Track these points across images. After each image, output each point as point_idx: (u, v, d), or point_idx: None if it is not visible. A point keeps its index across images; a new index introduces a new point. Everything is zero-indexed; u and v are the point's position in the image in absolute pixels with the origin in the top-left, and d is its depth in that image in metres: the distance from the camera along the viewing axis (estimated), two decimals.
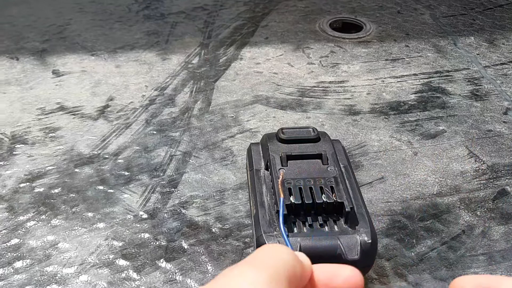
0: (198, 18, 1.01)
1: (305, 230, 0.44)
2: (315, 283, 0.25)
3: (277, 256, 0.23)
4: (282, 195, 0.43)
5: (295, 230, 0.44)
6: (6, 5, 1.05)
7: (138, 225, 0.55)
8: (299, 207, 0.45)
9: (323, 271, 0.26)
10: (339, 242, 0.43)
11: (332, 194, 0.46)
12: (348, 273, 0.25)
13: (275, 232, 0.44)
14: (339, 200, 0.45)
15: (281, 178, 0.45)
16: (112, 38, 0.94)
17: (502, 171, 0.63)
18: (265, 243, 0.44)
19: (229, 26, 0.98)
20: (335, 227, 0.45)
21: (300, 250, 0.43)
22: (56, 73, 0.83)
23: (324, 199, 0.45)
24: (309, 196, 0.46)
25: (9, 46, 0.91)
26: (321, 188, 0.47)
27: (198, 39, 0.94)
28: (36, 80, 0.81)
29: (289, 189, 0.47)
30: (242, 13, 1.03)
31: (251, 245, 0.53)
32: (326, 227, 0.45)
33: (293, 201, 0.45)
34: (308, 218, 0.45)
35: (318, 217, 0.45)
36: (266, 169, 0.52)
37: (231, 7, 1.06)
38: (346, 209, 0.44)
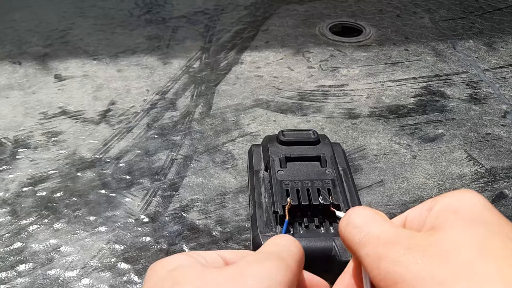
0: (199, 23, 1.02)
1: (301, 231, 0.45)
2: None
3: (287, 246, 0.26)
4: (287, 217, 0.45)
5: (291, 230, 0.45)
6: (9, 10, 1.06)
7: (140, 229, 0.56)
8: (296, 208, 0.46)
9: (306, 278, 0.27)
10: (334, 243, 0.43)
11: (329, 196, 0.47)
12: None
13: (271, 233, 0.45)
14: (335, 202, 0.46)
15: (288, 205, 0.46)
16: (113, 42, 0.95)
17: (501, 174, 0.63)
18: (261, 243, 0.45)
19: (230, 30, 0.99)
20: (331, 228, 0.45)
21: None
22: (58, 78, 0.84)
23: (320, 201, 0.46)
24: (306, 197, 0.46)
25: (11, 51, 0.92)
26: (318, 190, 0.48)
27: (199, 43, 0.95)
28: (38, 85, 0.82)
29: (287, 190, 0.48)
30: (243, 17, 1.04)
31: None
32: (322, 229, 0.45)
33: (289, 201, 0.46)
34: (304, 219, 0.46)
35: (315, 218, 0.46)
36: (266, 170, 0.53)
37: (232, 11, 1.07)
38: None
